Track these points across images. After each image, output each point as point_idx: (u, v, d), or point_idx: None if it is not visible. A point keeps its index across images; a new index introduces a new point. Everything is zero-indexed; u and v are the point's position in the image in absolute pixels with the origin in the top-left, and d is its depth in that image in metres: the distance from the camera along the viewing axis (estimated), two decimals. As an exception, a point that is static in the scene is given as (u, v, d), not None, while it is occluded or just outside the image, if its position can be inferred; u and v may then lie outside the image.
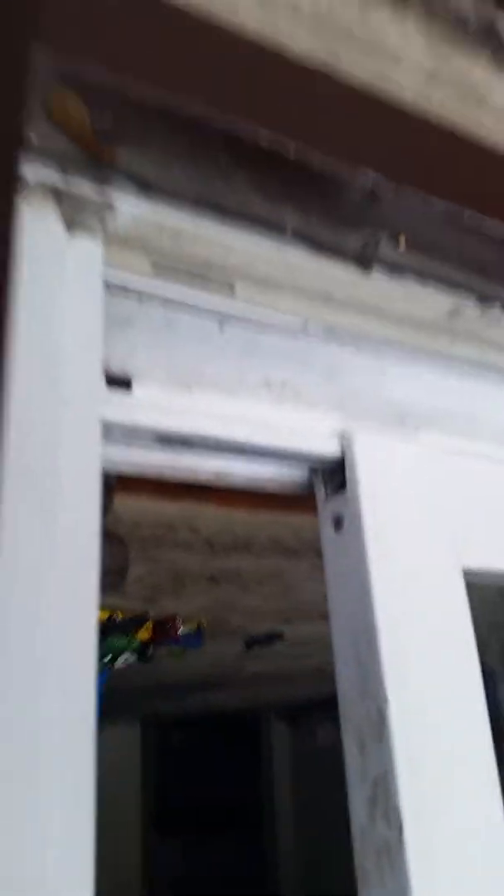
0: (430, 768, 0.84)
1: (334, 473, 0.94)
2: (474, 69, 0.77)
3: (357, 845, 0.84)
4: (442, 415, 0.96)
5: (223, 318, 0.73)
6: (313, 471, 0.96)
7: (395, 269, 0.71)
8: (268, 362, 0.83)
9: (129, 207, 0.59)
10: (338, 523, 0.92)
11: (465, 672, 0.91)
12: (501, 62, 0.84)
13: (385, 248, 0.69)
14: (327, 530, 0.93)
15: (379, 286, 0.73)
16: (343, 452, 0.92)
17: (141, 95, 0.52)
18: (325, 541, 0.93)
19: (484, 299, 0.76)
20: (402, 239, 0.69)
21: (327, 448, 0.92)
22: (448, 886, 0.80)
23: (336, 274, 0.70)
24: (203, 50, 0.55)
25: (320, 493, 0.96)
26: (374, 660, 0.85)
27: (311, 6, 0.62)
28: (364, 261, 0.69)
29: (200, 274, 0.68)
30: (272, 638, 2.90)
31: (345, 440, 0.93)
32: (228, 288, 0.69)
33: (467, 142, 0.72)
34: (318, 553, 0.94)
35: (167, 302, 0.68)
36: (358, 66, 0.66)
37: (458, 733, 0.87)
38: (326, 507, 0.94)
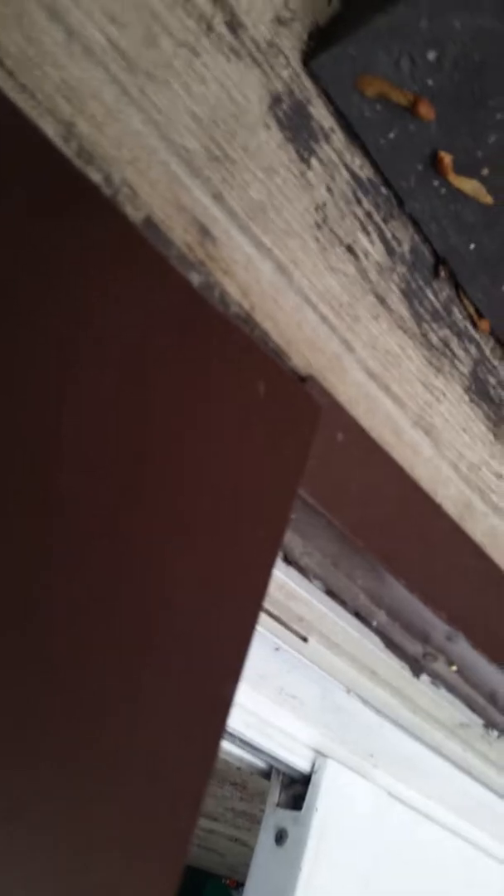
0: None
1: (293, 784, 0.99)
2: None
3: None
4: (406, 770, 1.02)
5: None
6: (275, 771, 1.00)
7: (438, 680, 0.79)
8: (290, 677, 0.89)
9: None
10: (280, 838, 0.95)
11: None
12: None
13: (438, 665, 0.78)
14: (267, 840, 0.96)
15: (419, 685, 0.81)
16: (312, 772, 0.97)
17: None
18: (261, 849, 0.96)
19: (489, 725, 0.85)
20: (454, 667, 0.78)
21: (299, 761, 0.97)
22: None
23: (395, 666, 0.78)
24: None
25: (272, 796, 0.99)
26: None
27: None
28: (418, 668, 0.78)
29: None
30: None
31: (319, 759, 0.98)
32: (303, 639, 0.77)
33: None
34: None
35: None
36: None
37: None
38: (273, 816, 0.98)
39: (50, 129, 0.54)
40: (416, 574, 0.71)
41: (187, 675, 0.54)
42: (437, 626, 0.74)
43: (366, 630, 0.74)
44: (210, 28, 0.66)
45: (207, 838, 2.72)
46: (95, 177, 0.55)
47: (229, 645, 0.59)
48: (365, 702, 0.84)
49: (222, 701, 0.57)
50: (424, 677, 0.80)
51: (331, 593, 0.72)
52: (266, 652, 0.82)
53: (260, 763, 1.01)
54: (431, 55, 0.66)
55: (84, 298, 0.50)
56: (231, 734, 0.94)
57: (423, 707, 0.85)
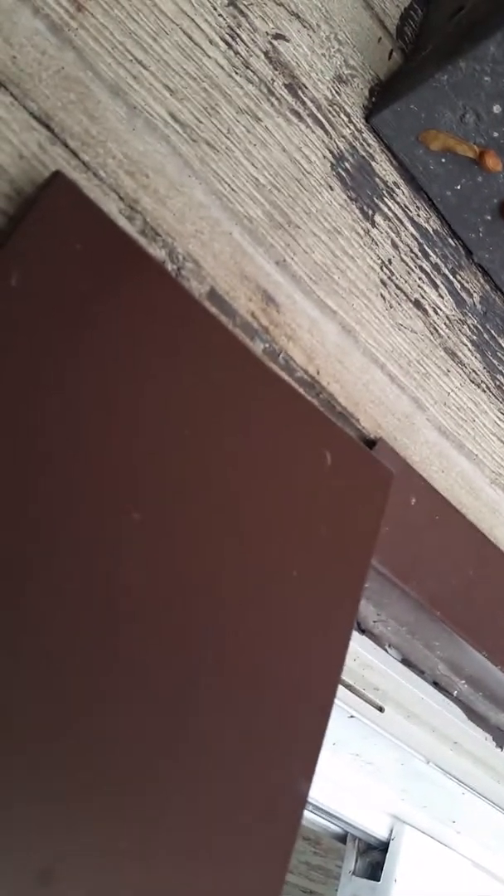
0: None
1: (370, 850, 0.95)
2: None
3: None
4: (492, 839, 0.97)
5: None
6: (351, 837, 0.97)
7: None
8: (366, 743, 0.86)
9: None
10: (359, 910, 0.92)
11: None
12: None
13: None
14: (345, 911, 0.92)
15: (500, 755, 0.76)
16: (390, 839, 0.93)
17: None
18: (339, 921, 0.92)
19: None
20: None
21: (376, 827, 0.93)
22: None
23: (478, 737, 0.74)
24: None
25: (348, 863, 0.96)
26: None
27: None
28: (501, 739, 0.73)
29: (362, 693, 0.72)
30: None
31: (397, 825, 0.94)
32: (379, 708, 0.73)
33: None
34: None
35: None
36: None
37: None
38: (350, 885, 0.94)
39: (114, 207, 0.54)
40: (499, 643, 0.67)
41: (272, 748, 0.52)
42: (522, 695, 0.70)
43: (445, 700, 0.71)
44: (270, 92, 0.66)
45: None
46: (159, 253, 0.55)
47: (311, 716, 0.57)
48: (445, 772, 0.80)
49: (304, 772, 0.55)
50: (509, 747, 0.76)
51: (407, 662, 0.69)
52: (340, 718, 0.79)
53: (335, 828, 0.97)
54: (497, 108, 0.64)
55: (148, 376, 0.49)
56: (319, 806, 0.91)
57: (509, 777, 0.81)
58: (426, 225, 0.73)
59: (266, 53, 0.66)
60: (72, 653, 0.43)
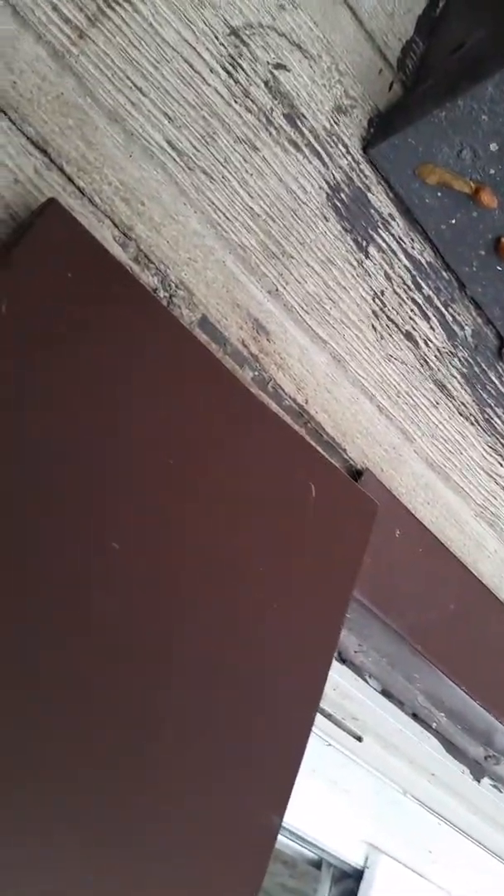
0: None
1: (345, 878, 0.94)
2: None
3: None
4: (468, 870, 0.97)
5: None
6: (326, 863, 0.96)
7: (501, 784, 0.75)
8: (343, 771, 0.86)
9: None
10: (332, 938, 0.91)
11: None
12: None
13: (501, 768, 0.73)
14: (319, 939, 0.92)
15: (477, 788, 0.76)
16: (365, 867, 0.93)
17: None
18: None
19: None
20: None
21: (351, 855, 0.93)
22: None
23: (455, 769, 0.74)
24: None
25: (322, 891, 0.95)
26: None
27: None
28: (478, 772, 0.73)
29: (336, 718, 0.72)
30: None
31: (372, 853, 0.93)
32: (358, 739, 0.73)
33: None
34: None
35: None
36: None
37: None
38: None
39: (108, 234, 0.54)
40: (478, 678, 0.67)
41: (246, 778, 0.52)
42: (501, 729, 0.70)
43: (424, 732, 0.71)
44: (269, 121, 0.66)
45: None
46: (152, 281, 0.55)
47: (286, 747, 0.57)
48: (422, 803, 0.80)
49: (279, 800, 0.55)
50: (486, 781, 0.76)
51: (387, 693, 0.69)
52: (319, 746, 0.79)
53: (310, 854, 0.97)
54: (494, 146, 0.65)
55: (132, 405, 0.49)
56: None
57: (485, 810, 0.80)
58: (420, 257, 0.73)
59: (266, 83, 0.66)
60: (49, 680, 0.43)
